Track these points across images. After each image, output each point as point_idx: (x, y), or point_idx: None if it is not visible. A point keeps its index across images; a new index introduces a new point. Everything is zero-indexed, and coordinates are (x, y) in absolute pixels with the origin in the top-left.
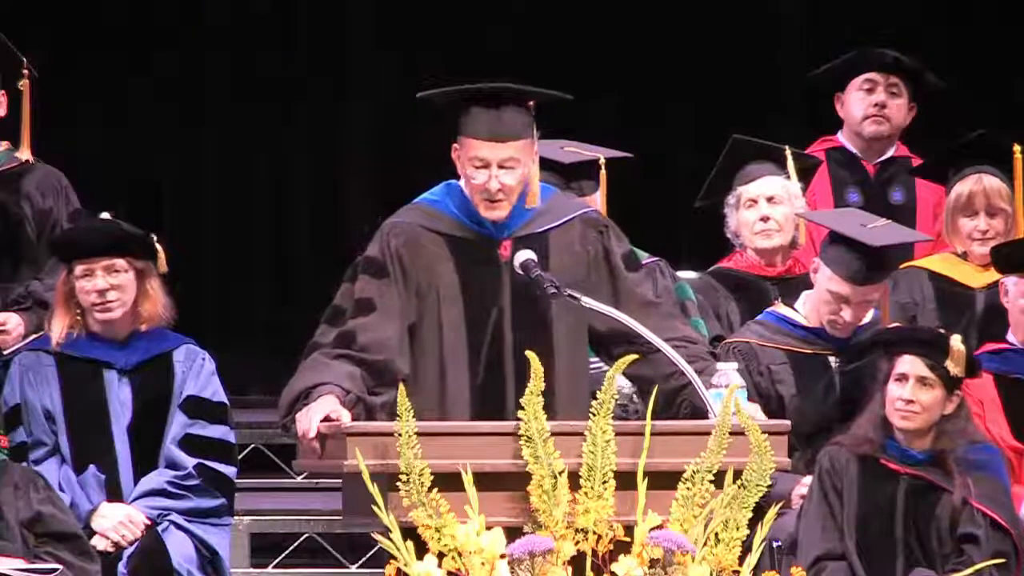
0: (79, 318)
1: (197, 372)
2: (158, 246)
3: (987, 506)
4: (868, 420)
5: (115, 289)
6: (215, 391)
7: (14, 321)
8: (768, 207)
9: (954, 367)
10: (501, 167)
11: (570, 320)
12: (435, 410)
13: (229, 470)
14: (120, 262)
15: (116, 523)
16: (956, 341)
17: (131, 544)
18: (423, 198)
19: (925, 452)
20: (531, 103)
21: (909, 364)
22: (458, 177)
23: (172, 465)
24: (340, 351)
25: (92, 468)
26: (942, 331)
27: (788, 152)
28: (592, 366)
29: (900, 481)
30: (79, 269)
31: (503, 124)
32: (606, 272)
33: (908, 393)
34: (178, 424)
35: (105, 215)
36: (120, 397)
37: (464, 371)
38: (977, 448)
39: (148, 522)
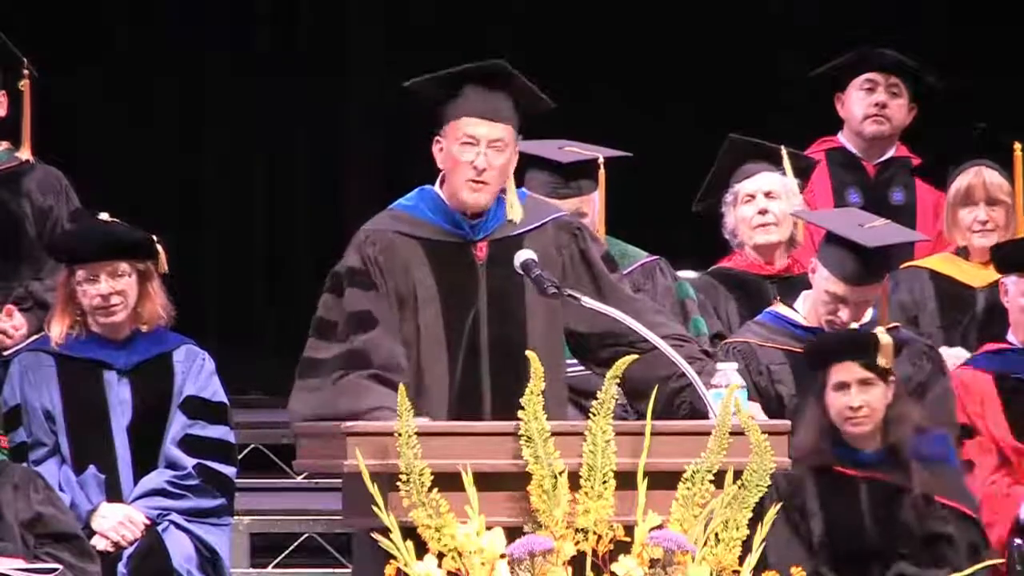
0: (79, 319)
1: (197, 372)
2: (159, 247)
3: (949, 497)
4: (811, 431)
5: (118, 294)
6: (215, 391)
7: (19, 318)
8: (766, 201)
9: (886, 361)
10: (490, 147)
11: (546, 321)
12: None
13: (229, 470)
14: (123, 265)
15: (116, 523)
16: (882, 334)
17: (131, 544)
18: (397, 203)
19: (878, 451)
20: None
21: (846, 371)
22: (433, 182)
23: (172, 465)
24: (371, 372)
25: (92, 468)
26: (860, 329)
27: (784, 152)
28: (571, 370)
29: (860, 487)
30: (81, 273)
31: (497, 104)
32: (586, 273)
33: (855, 400)
34: (178, 424)
35: (104, 215)
36: (120, 397)
37: (442, 373)
38: (927, 439)
39: (148, 522)
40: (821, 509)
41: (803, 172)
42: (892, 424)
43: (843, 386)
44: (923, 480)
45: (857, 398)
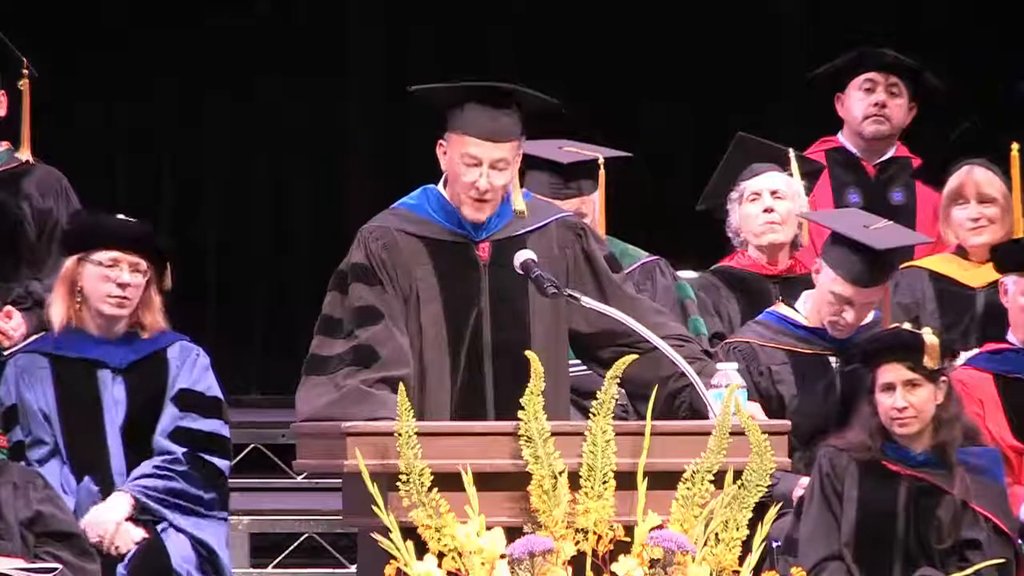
0: (77, 312)
1: (191, 366)
2: (168, 263)
3: (989, 510)
4: (863, 429)
5: (134, 287)
6: (209, 385)
7: (18, 319)
8: (772, 200)
9: (931, 362)
10: (493, 167)
11: (549, 321)
12: (415, 411)
13: (221, 463)
14: (143, 263)
15: (110, 536)
16: (928, 335)
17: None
18: (400, 202)
19: (925, 452)
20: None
21: (892, 372)
22: (434, 181)
23: (161, 454)
24: (375, 376)
25: (87, 480)
26: (911, 330)
27: (792, 155)
28: (571, 370)
29: (901, 482)
30: (107, 257)
31: (500, 124)
32: (589, 273)
33: (900, 401)
34: (168, 416)
35: (121, 217)
36: (115, 396)
37: (444, 373)
38: (977, 451)
39: (146, 535)
40: (858, 496)
41: (810, 176)
42: (941, 424)
43: (889, 387)
44: (964, 487)
45: (902, 399)
